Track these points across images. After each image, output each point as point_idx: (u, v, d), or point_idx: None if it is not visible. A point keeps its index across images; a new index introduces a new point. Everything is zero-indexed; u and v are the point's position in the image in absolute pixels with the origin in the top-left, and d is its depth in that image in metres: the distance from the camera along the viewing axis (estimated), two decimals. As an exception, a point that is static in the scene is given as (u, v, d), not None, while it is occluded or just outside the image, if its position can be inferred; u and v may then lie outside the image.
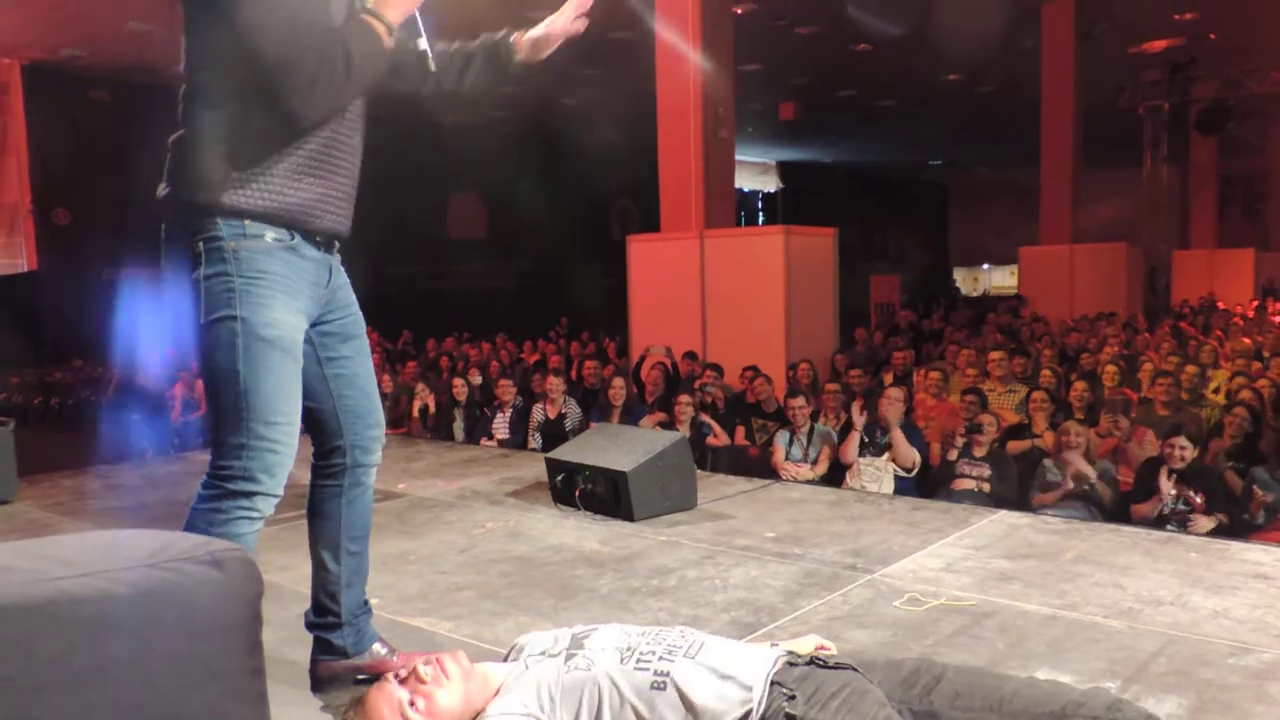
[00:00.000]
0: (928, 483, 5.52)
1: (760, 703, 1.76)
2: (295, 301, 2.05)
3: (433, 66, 2.17)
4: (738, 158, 13.39)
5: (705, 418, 6.69)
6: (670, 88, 9.63)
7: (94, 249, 14.67)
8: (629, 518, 3.93)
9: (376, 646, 2.38)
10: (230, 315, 1.97)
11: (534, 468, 4.92)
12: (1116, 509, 4.91)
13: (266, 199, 1.98)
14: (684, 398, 6.71)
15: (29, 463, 5.42)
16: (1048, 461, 5.21)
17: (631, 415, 7.12)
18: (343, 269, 2.27)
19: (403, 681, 1.88)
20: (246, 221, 1.97)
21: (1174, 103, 15.52)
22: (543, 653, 1.98)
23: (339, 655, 2.34)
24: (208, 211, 1.96)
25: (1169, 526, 4.59)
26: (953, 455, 5.47)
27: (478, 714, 1.88)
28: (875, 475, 5.50)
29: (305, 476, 2.33)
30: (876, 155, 25.93)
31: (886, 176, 28.32)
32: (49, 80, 14.69)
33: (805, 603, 2.93)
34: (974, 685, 1.84)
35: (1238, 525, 4.58)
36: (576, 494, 4.11)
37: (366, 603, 2.39)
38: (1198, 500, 4.65)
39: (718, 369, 7.69)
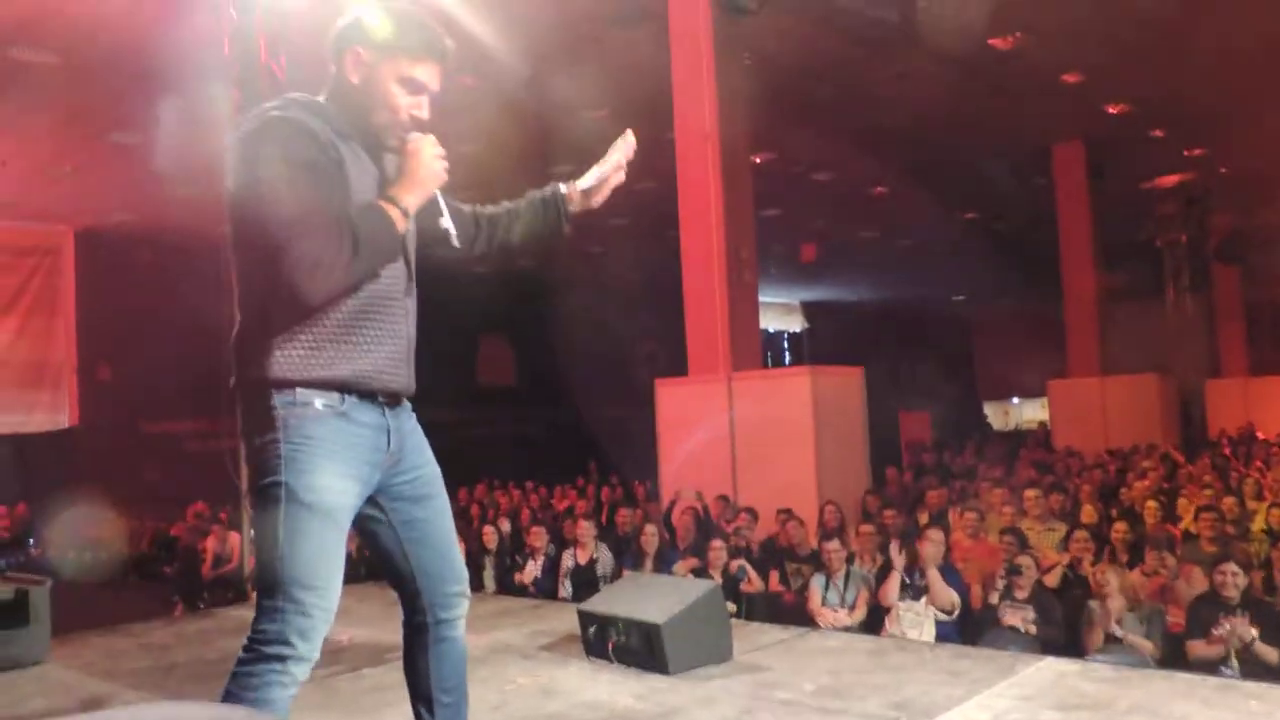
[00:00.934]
0: (970, 627, 5.38)
1: None
2: (343, 467, 2.08)
3: (455, 244, 2.26)
4: (761, 299, 13.63)
5: (740, 563, 6.60)
6: (693, 234, 9.89)
7: (133, 403, 15.00)
8: (664, 671, 3.84)
9: None
10: (276, 481, 2.03)
11: (566, 619, 4.85)
12: (1169, 652, 4.75)
13: (311, 369, 2.05)
14: (716, 543, 6.64)
15: (62, 620, 5.42)
16: (1093, 604, 5.07)
17: (664, 561, 7.03)
18: (418, 427, 2.31)
19: None
20: (296, 390, 2.05)
21: (1192, 235, 15.72)
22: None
23: None
24: (261, 385, 2.06)
25: (1225, 669, 4.43)
26: (994, 598, 5.35)
27: None
28: (915, 620, 5.37)
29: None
30: (899, 292, 26.26)
31: (910, 313, 28.58)
32: (98, 244, 15.34)
33: (849, 761, 2.83)
34: None
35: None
36: (610, 646, 4.04)
37: None
38: (1254, 633, 4.50)
39: (752, 512, 7.62)
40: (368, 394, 2.13)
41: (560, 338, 16.50)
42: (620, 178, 2.53)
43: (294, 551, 2.02)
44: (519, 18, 9.08)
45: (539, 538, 7.63)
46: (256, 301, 2.06)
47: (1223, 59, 11.03)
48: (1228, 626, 4.53)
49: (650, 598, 4.10)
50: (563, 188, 2.50)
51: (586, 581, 6.92)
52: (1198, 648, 4.64)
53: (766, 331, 24.09)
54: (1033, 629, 5.10)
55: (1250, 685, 3.50)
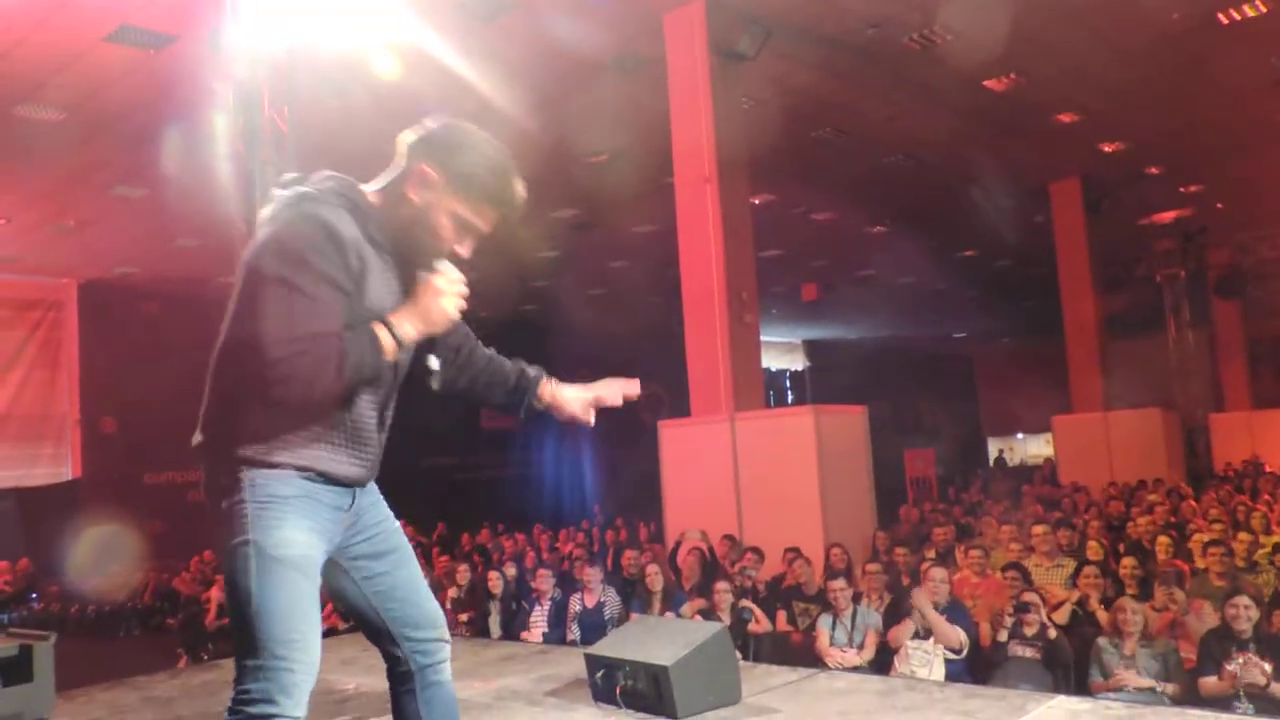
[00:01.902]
0: (980, 665, 5.33)
1: None
2: (309, 522, 2.07)
3: (435, 386, 2.25)
4: (763, 338, 13.67)
5: (747, 603, 6.56)
6: (694, 276, 9.96)
7: (136, 455, 14.99)
8: (672, 715, 3.81)
9: None
10: (244, 540, 2.00)
11: (573, 664, 4.81)
12: (1183, 689, 4.70)
13: (275, 454, 2.04)
14: (722, 585, 6.60)
15: (66, 674, 5.37)
16: (1103, 641, 5.03)
17: (672, 602, 6.99)
18: (374, 486, 2.30)
19: None
20: (260, 469, 2.03)
21: (1190, 270, 15.80)
22: None
23: None
24: (227, 458, 2.04)
25: (1238, 704, 4.38)
26: (1002, 636, 5.31)
27: None
28: (925, 659, 5.33)
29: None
30: (900, 329, 26.35)
31: (912, 350, 28.64)
32: (102, 296, 15.41)
33: (861, 804, 2.80)
34: None
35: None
36: (618, 691, 4.01)
37: None
38: (1267, 668, 4.46)
39: (758, 552, 7.59)
40: (332, 482, 2.12)
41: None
42: (613, 402, 2.48)
43: (270, 608, 1.99)
44: (517, 66, 9.24)
45: (545, 581, 7.59)
46: (231, 377, 2.03)
47: (1218, 97, 11.18)
48: (1241, 660, 4.50)
49: (657, 640, 4.08)
50: (541, 382, 2.46)
51: (594, 625, 6.87)
52: (1210, 684, 4.60)
53: (768, 370, 24.13)
54: (1043, 667, 5.05)
55: (1264, 720, 3.47)
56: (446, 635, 2.35)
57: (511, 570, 9.05)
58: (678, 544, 8.53)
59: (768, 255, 13.65)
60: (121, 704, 4.95)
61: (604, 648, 4.27)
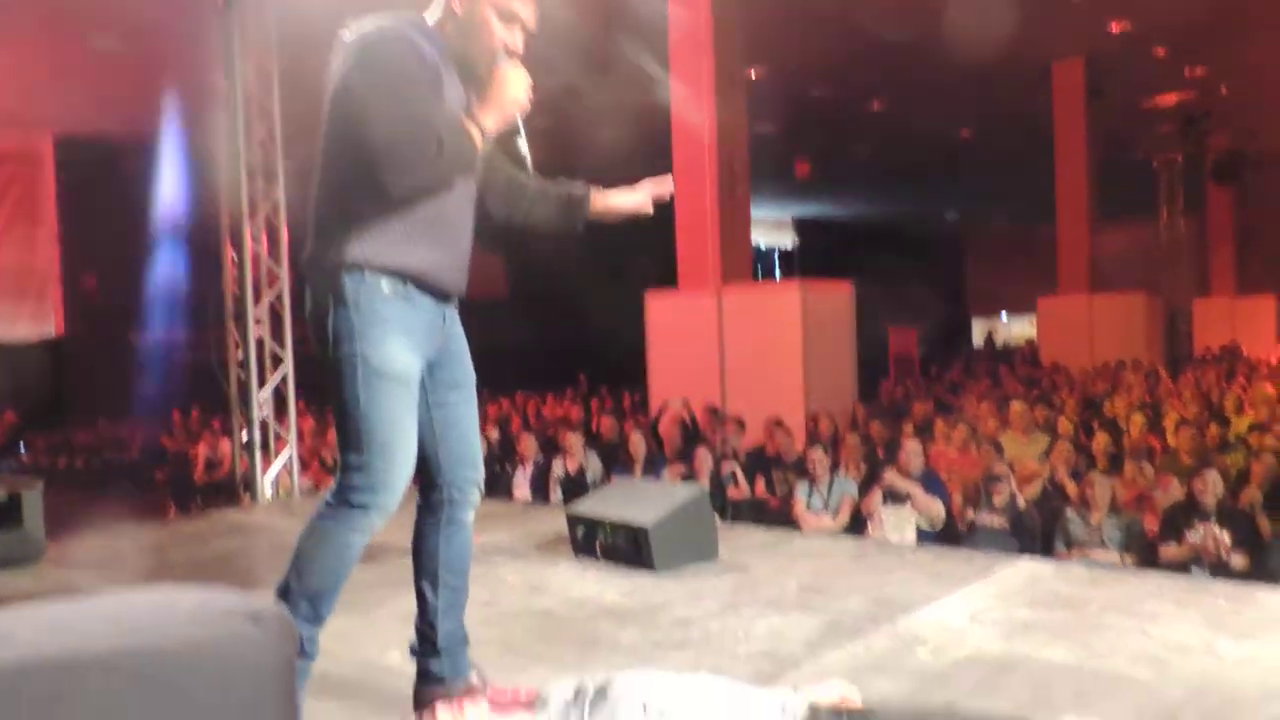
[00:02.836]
0: (950, 532, 5.50)
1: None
2: (409, 340, 2.26)
3: (530, 168, 2.44)
4: (754, 214, 13.53)
5: (731, 468, 6.70)
6: (685, 146, 9.79)
7: (120, 313, 14.91)
8: (650, 569, 3.92)
9: (471, 676, 2.55)
10: (351, 352, 2.21)
11: (555, 522, 4.93)
12: (1143, 559, 4.87)
13: (382, 257, 2.22)
14: (703, 451, 6.72)
15: (55, 524, 5.48)
16: (1070, 512, 5.18)
17: (653, 468, 7.14)
18: (459, 323, 2.50)
19: None
20: (366, 274, 2.22)
21: (1188, 154, 15.61)
22: (566, 703, 1.99)
23: (436, 682, 2.51)
24: (334, 266, 2.23)
25: (1195, 568, 4.55)
26: (970, 512, 5.46)
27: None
28: (897, 525, 5.48)
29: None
30: (892, 209, 26.11)
31: (902, 230, 28.47)
32: (79, 150, 15.04)
33: (828, 653, 2.92)
34: (998, 731, 1.84)
35: (1265, 571, 4.53)
36: (598, 546, 4.12)
37: (464, 636, 2.55)
38: (1225, 540, 4.62)
39: (739, 422, 7.70)
40: (427, 287, 2.30)
41: (551, 249, 16.41)
42: (647, 209, 2.68)
43: (373, 415, 2.20)
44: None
45: (529, 445, 7.71)
46: (338, 192, 2.23)
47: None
48: (1201, 531, 4.65)
49: (638, 501, 4.17)
50: (592, 195, 2.62)
51: (576, 488, 7.02)
52: (1169, 551, 4.76)
53: (758, 247, 23.99)
54: (1010, 536, 5.21)
55: (1218, 585, 3.61)
56: (482, 483, 2.51)
57: (495, 434, 9.19)
58: (660, 413, 8.65)
59: (761, 130, 13.37)
60: (113, 550, 5.07)
61: (585, 507, 4.37)
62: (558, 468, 7.38)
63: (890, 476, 5.59)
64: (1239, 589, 3.48)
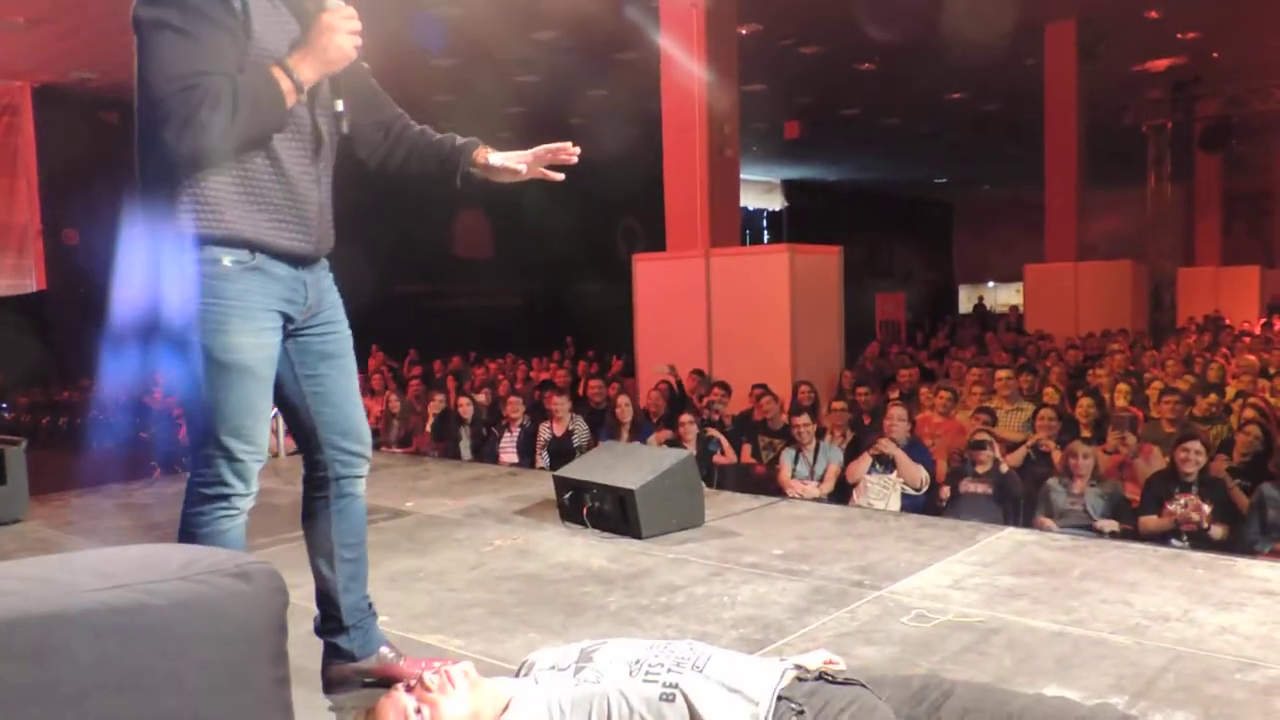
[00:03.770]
0: (935, 500, 5.54)
1: (767, 717, 1.77)
2: (255, 323, 2.11)
3: (345, 129, 2.19)
4: (743, 176, 13.44)
5: (715, 434, 6.71)
6: (675, 107, 9.70)
7: (102, 269, 14.75)
8: (637, 535, 3.94)
9: (383, 650, 2.49)
10: (190, 340, 2.07)
11: (542, 486, 4.95)
12: (1125, 525, 4.92)
13: (214, 225, 2.04)
14: (687, 416, 6.73)
15: (39, 482, 5.45)
16: (1053, 480, 5.22)
17: (640, 433, 7.15)
18: (332, 288, 2.35)
19: (409, 690, 1.90)
20: (203, 248, 2.04)
21: (1177, 121, 15.56)
22: (552, 667, 2.00)
23: (347, 658, 2.45)
24: (170, 240, 2.04)
25: (1175, 541, 4.60)
26: (955, 479, 5.50)
27: (488, 729, 1.90)
28: (882, 493, 5.52)
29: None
30: (881, 173, 26.02)
31: (891, 194, 28.41)
32: (59, 102, 14.79)
33: (813, 619, 2.95)
34: (982, 701, 1.85)
35: (1243, 542, 4.59)
36: (584, 512, 4.14)
37: (370, 607, 2.48)
38: (1206, 510, 4.67)
39: (725, 387, 7.71)
40: (277, 254, 2.14)
41: (539, 211, 16.30)
42: (551, 176, 2.46)
43: (219, 405, 2.09)
44: None
45: (515, 408, 7.70)
46: (159, 154, 2.01)
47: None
48: (1183, 502, 4.69)
49: (624, 465, 4.18)
50: (475, 148, 2.42)
51: (563, 452, 7.02)
52: (1150, 522, 4.81)
53: (746, 209, 23.87)
54: (994, 503, 5.25)
55: (1197, 555, 3.65)
56: (369, 453, 2.42)
57: (482, 397, 9.17)
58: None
59: (752, 89, 13.25)
60: (96, 509, 5.05)
61: (572, 470, 4.38)
62: (544, 432, 7.38)
63: (876, 444, 5.62)
64: (1217, 559, 3.52)
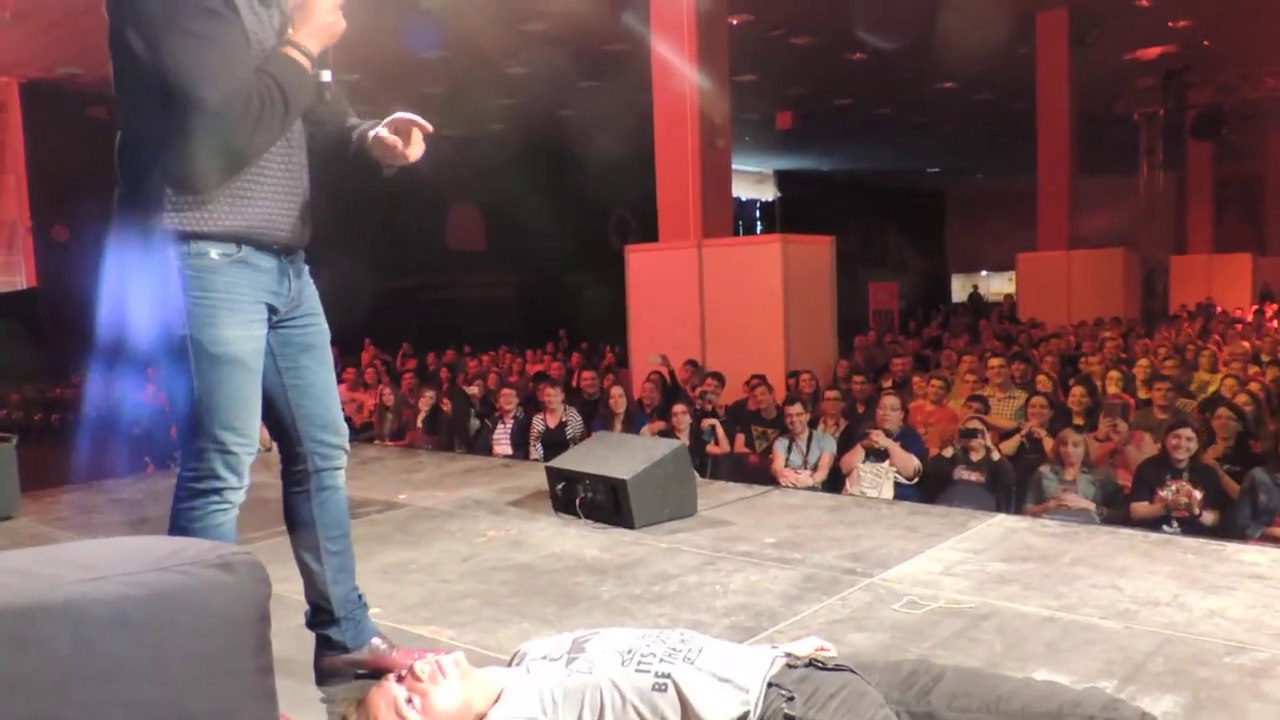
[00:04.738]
0: (928, 488, 5.55)
1: (757, 704, 1.78)
2: (243, 315, 2.11)
3: (328, 97, 2.14)
4: (735, 167, 13.43)
5: (710, 423, 6.72)
6: (666, 99, 9.68)
7: (92, 264, 14.67)
8: (629, 525, 3.95)
9: (375, 641, 2.49)
10: (181, 334, 2.05)
11: (535, 477, 4.95)
12: (1116, 514, 4.94)
13: (203, 222, 2.04)
14: (679, 407, 6.74)
15: (31, 479, 5.43)
16: (1045, 468, 5.23)
17: (634, 424, 7.15)
18: (310, 281, 2.34)
19: (400, 680, 1.90)
20: (191, 243, 2.04)
21: (1169, 109, 15.58)
22: (544, 657, 2.00)
23: (339, 650, 2.46)
24: (155, 235, 2.03)
25: (1166, 527, 4.62)
26: (949, 461, 5.51)
27: (479, 717, 1.90)
28: (875, 481, 5.53)
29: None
30: (874, 163, 26.02)
31: (884, 184, 28.40)
32: (47, 98, 14.72)
33: (805, 607, 2.95)
34: (971, 686, 1.86)
35: (1234, 527, 4.61)
36: (577, 502, 4.14)
37: (360, 599, 2.49)
38: (1197, 496, 4.69)
39: (718, 377, 7.71)
40: (264, 246, 2.14)
41: (532, 204, 16.27)
42: (394, 151, 2.21)
43: (211, 400, 2.08)
44: None
45: (509, 400, 7.70)
46: (147, 150, 2.01)
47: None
48: (1174, 488, 4.71)
49: (617, 455, 4.18)
50: (373, 132, 2.23)
51: (556, 444, 7.02)
52: (1141, 508, 4.83)
53: (739, 200, 23.85)
54: (986, 490, 5.27)
55: (1188, 541, 3.67)
56: (347, 445, 2.42)
57: (475, 389, 9.16)
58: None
59: (743, 80, 13.22)
60: (88, 504, 5.04)
61: (565, 461, 4.38)
62: (538, 423, 7.38)
63: (869, 435, 5.63)
64: (1206, 544, 3.54)
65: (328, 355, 2.39)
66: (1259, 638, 2.57)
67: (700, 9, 9.38)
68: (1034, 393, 6.56)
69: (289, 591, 3.00)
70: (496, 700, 1.93)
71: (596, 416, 7.56)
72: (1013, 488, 5.33)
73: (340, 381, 10.39)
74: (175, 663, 0.89)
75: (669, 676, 1.83)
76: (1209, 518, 4.69)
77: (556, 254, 17.45)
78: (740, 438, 6.90)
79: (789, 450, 6.09)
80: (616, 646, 1.94)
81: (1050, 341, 10.25)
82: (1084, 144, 14.62)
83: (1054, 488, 5.10)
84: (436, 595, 3.22)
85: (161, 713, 0.88)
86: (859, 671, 1.88)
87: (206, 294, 2.06)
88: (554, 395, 7.43)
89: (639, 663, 1.88)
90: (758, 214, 26.83)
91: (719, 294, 8.84)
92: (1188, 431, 4.79)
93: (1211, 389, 7.35)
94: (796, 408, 6.14)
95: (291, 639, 2.70)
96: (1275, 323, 14.80)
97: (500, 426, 7.64)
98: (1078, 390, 6.38)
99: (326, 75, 2.12)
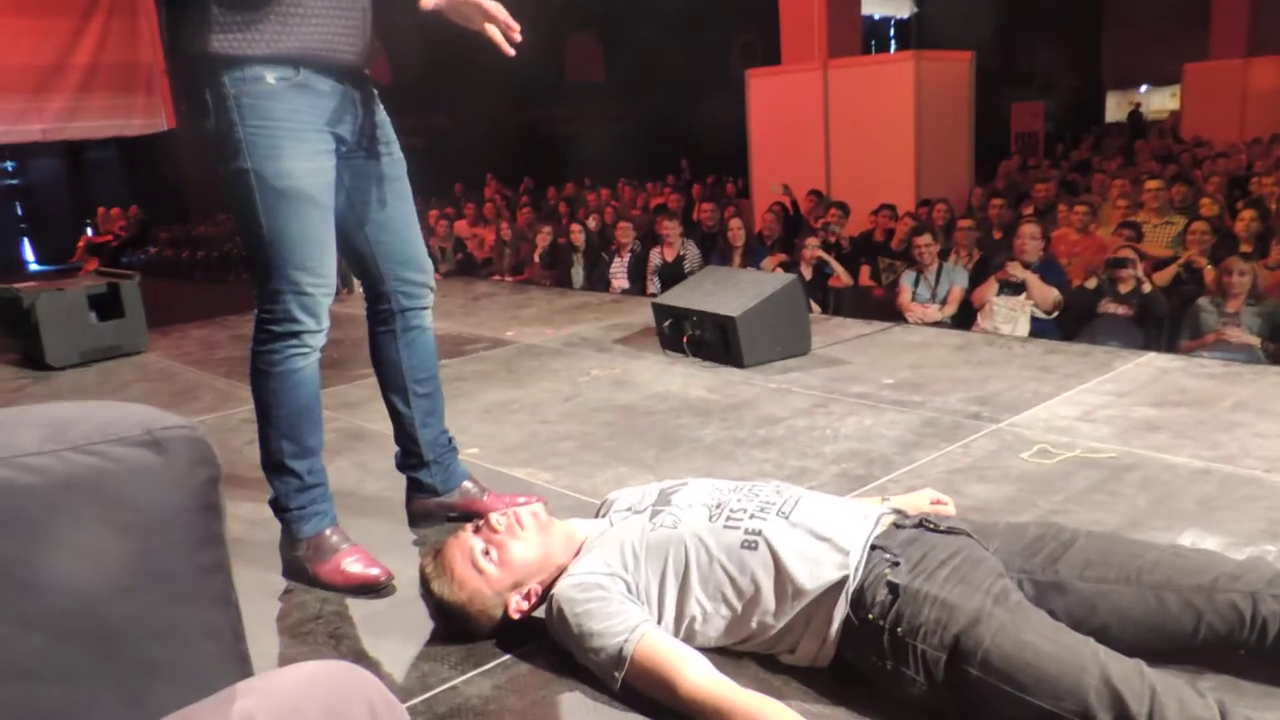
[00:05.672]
0: (1069, 323, 5.13)
1: (858, 569, 1.60)
2: (308, 145, 1.97)
3: None
4: (867, -22, 12.39)
5: (826, 256, 6.39)
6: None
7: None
8: (739, 364, 3.76)
9: (466, 484, 2.44)
10: (243, 168, 1.93)
11: (644, 313, 4.78)
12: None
13: (256, 44, 1.89)
14: (802, 238, 6.40)
15: (166, 314, 5.63)
16: (1204, 300, 4.73)
17: (753, 256, 6.87)
18: (380, 106, 2.16)
19: (477, 531, 1.82)
20: (246, 67, 1.89)
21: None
22: (629, 509, 1.86)
23: (429, 493, 2.43)
24: (206, 62, 1.90)
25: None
26: (1094, 294, 5.06)
27: (560, 569, 1.80)
28: (1010, 316, 5.15)
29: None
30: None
31: (1031, -8, 25.92)
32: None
33: (922, 455, 2.73)
34: (1108, 553, 1.62)
35: None
36: (684, 340, 3.96)
37: (450, 441, 2.43)
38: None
39: (842, 207, 7.30)
40: (323, 68, 1.97)
41: (652, 30, 15.51)
42: (487, 33, 2.05)
43: (280, 239, 1.97)
44: None
45: (625, 234, 7.49)
46: None
47: None
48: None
49: (726, 291, 3.96)
50: None
51: (673, 277, 6.82)
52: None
53: (870, 18, 22.23)
54: (1134, 324, 4.83)
55: (1375, 383, 3.23)
56: (433, 284, 2.31)
57: (594, 223, 8.98)
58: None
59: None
60: (211, 340, 5.18)
61: (672, 297, 4.19)
62: (655, 257, 7.17)
63: (1005, 265, 5.20)
64: (1399, 387, 3.11)
65: (406, 187, 2.24)
66: None
67: None
68: (1195, 217, 5.92)
69: (381, 430, 2.96)
70: (578, 553, 1.82)
71: (715, 250, 7.30)
72: (1165, 322, 4.87)
73: (461, 217, 10.42)
74: (83, 566, 0.73)
75: (760, 534, 1.66)
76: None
77: (678, 82, 16.75)
78: (865, 270, 6.55)
79: (916, 283, 5.72)
80: (704, 499, 1.79)
81: (1217, 161, 9.27)
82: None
83: (1214, 321, 4.62)
84: (536, 436, 3.13)
85: (71, 625, 0.73)
86: (976, 535, 1.67)
87: (266, 123, 1.92)
88: (671, 228, 7.18)
89: (728, 518, 1.72)
90: (892, 33, 25.03)
91: (845, 118, 8.29)
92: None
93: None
94: (926, 238, 5.73)
95: (385, 480, 2.67)
96: None
97: (617, 260, 7.47)
98: (1247, 214, 5.70)
99: None
